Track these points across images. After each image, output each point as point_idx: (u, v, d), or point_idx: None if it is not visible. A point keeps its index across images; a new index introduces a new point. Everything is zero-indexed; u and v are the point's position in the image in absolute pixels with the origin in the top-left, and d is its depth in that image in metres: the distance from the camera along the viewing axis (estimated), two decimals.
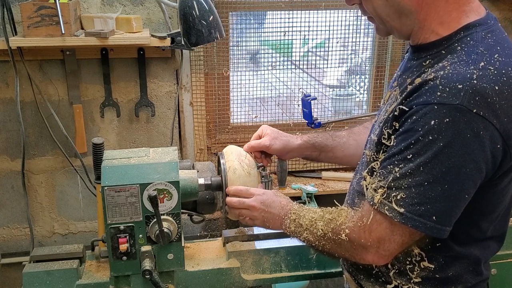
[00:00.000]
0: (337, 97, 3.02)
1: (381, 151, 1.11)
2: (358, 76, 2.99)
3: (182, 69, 2.41)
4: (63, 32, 1.98)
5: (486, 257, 1.19)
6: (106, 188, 1.29)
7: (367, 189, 1.11)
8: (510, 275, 1.64)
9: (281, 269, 1.58)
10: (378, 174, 1.07)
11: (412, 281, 1.17)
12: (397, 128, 1.06)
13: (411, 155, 1.00)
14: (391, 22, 1.08)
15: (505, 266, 1.64)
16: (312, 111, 2.42)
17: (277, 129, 1.52)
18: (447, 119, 0.95)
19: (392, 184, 1.03)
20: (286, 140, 1.48)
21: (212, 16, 1.61)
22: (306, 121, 2.47)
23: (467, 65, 0.98)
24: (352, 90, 3.06)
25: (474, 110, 0.94)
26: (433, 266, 1.14)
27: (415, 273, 1.15)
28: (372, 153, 1.15)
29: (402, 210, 1.01)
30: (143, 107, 2.42)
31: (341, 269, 1.45)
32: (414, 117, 0.99)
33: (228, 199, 1.40)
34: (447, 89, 0.96)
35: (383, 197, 1.04)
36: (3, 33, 2.06)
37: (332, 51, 2.69)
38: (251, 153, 1.50)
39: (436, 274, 1.15)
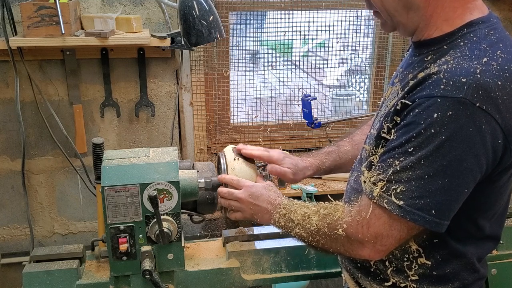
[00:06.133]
0: (337, 97, 3.02)
1: (380, 146, 1.11)
2: (358, 76, 2.99)
3: (182, 69, 2.41)
4: (63, 32, 1.98)
5: (482, 255, 1.19)
6: (106, 188, 1.29)
7: (365, 182, 1.10)
8: (510, 275, 1.65)
9: (281, 269, 1.58)
10: (377, 167, 1.07)
11: (409, 278, 1.16)
12: (398, 122, 1.05)
13: (412, 148, 0.99)
14: (398, 17, 1.08)
15: (505, 266, 1.64)
16: (312, 111, 2.43)
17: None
18: (450, 112, 0.95)
19: (392, 177, 1.02)
20: (303, 173, 1.51)
21: (212, 16, 1.62)
22: (306, 121, 2.47)
23: (471, 60, 0.98)
24: (352, 90, 3.06)
25: (477, 104, 0.94)
26: (430, 263, 1.14)
27: (412, 270, 1.15)
28: (371, 147, 1.14)
29: (401, 203, 1.01)
30: (143, 107, 2.42)
31: (340, 269, 1.45)
32: (417, 110, 0.99)
33: (220, 188, 1.41)
34: (451, 83, 0.96)
35: (383, 190, 1.04)
36: (3, 33, 2.06)
37: (332, 51, 2.69)
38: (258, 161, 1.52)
39: (433, 271, 1.15)
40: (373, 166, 1.10)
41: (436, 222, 1.01)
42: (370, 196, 1.06)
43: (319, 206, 1.21)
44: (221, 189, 1.40)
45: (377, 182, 1.05)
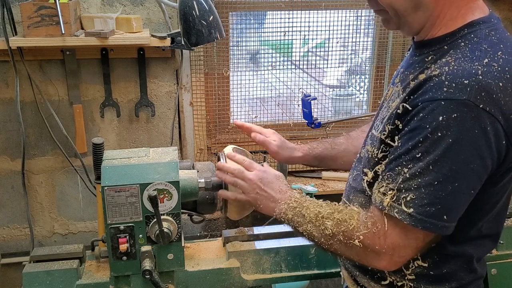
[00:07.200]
0: (337, 97, 3.02)
1: (381, 149, 1.11)
2: (358, 76, 2.99)
3: (182, 69, 2.41)
4: (63, 32, 1.98)
5: (480, 255, 1.19)
6: (106, 188, 1.29)
7: (370, 189, 1.09)
8: (510, 275, 1.65)
9: (281, 269, 1.58)
10: (386, 177, 1.05)
11: (406, 277, 1.16)
12: (400, 127, 1.05)
13: (420, 153, 0.98)
14: (407, 17, 1.07)
15: (505, 266, 1.64)
16: (312, 111, 2.42)
17: (277, 129, 1.54)
18: (455, 115, 0.94)
19: (402, 185, 1.01)
20: (290, 152, 1.52)
21: (212, 16, 1.62)
22: (306, 121, 2.47)
23: (472, 61, 0.98)
24: (352, 90, 3.06)
25: (481, 106, 0.94)
26: (426, 265, 1.14)
27: (409, 269, 1.15)
28: (375, 149, 1.14)
29: (411, 211, 1.00)
30: (143, 107, 2.42)
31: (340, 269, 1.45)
32: (421, 114, 0.98)
33: (229, 164, 1.39)
34: (454, 85, 0.95)
35: (393, 200, 1.02)
36: (3, 33, 2.06)
37: (332, 51, 2.69)
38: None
39: (430, 271, 1.15)
40: (381, 176, 1.08)
41: (446, 227, 1.01)
42: (381, 207, 1.05)
43: (333, 207, 1.18)
44: (231, 165, 1.37)
45: (387, 192, 1.04)
